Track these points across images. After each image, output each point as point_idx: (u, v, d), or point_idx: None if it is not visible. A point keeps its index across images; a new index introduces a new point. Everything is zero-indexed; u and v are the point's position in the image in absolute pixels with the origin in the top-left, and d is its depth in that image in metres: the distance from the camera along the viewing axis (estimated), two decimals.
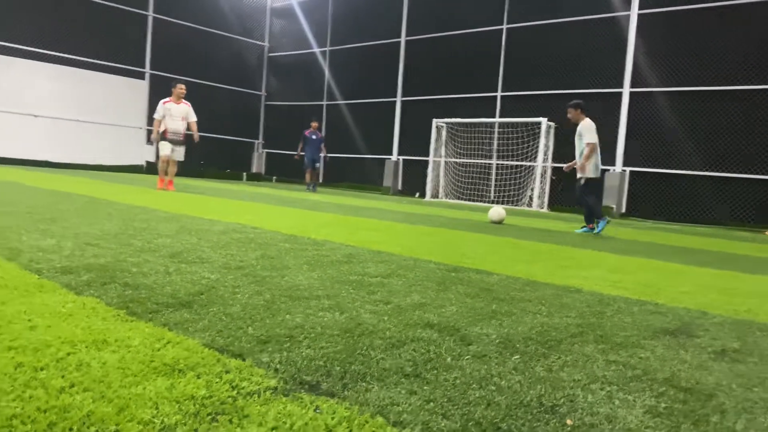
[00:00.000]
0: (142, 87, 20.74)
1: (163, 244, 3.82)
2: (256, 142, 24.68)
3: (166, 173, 11.32)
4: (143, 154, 20.78)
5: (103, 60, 19.48)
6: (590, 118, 8.13)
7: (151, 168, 20.58)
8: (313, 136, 17.43)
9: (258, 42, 24.38)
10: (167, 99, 11.47)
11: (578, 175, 8.21)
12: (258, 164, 24.59)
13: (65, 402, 1.33)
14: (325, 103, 22.19)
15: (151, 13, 20.69)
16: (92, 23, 19.11)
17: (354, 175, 21.18)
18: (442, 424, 1.38)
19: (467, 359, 1.90)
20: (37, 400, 1.32)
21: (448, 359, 1.88)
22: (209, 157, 22.49)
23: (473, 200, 16.93)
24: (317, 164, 17.64)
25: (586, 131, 8.03)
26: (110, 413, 1.29)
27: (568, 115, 8.24)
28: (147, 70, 20.81)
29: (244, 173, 23.93)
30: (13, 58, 17.64)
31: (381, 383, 1.63)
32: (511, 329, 2.31)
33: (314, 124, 17.56)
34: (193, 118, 11.63)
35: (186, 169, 21.04)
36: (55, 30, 18.26)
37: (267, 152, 24.51)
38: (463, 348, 2.01)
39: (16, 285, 2.39)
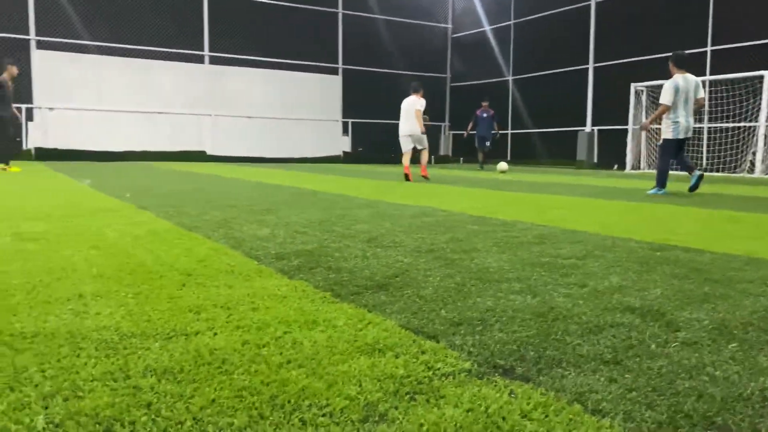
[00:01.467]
0: (336, 82, 22.13)
1: (360, 230, 4.07)
2: (443, 124, 24.98)
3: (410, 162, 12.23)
4: (341, 145, 22.21)
5: (302, 60, 21.11)
6: None
7: (348, 157, 21.96)
8: (484, 114, 17.64)
9: (441, 25, 24.57)
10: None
11: None
12: (445, 147, 24.92)
13: (284, 376, 1.49)
14: (510, 78, 21.71)
15: (340, 10, 21.90)
16: (290, 27, 20.79)
17: (544, 151, 20.48)
18: (646, 415, 1.31)
19: (675, 346, 1.76)
20: (261, 374, 1.51)
21: (653, 346, 1.76)
22: (398, 144, 23.28)
23: (678, 169, 15.39)
24: (487, 143, 17.78)
25: None
26: (321, 388, 1.43)
27: None
28: (340, 65, 22.12)
29: (432, 156, 24.40)
30: (232, 67, 19.93)
31: (578, 369, 1.58)
32: (727, 314, 2.08)
33: (485, 104, 17.86)
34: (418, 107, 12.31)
35: (378, 157, 22.06)
36: (261, 38, 20.22)
37: (453, 134, 24.70)
38: (669, 334, 1.87)
39: (241, 270, 2.73)
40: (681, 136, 7.67)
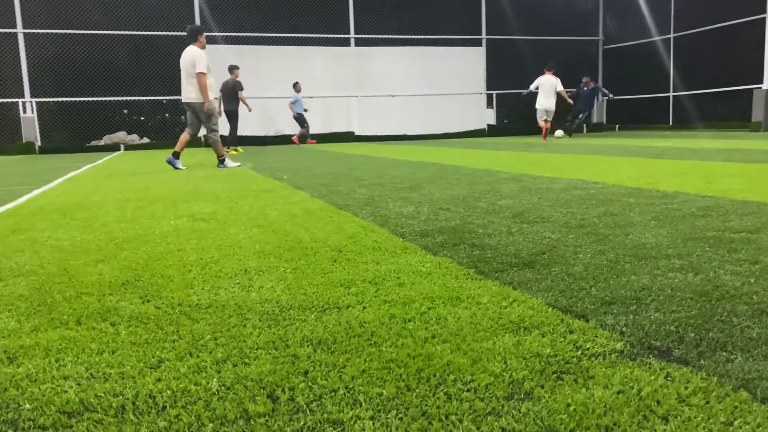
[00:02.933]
0: (479, 54, 21.74)
1: (505, 205, 4.01)
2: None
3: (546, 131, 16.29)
4: (485, 118, 21.86)
5: (445, 34, 20.98)
6: None
7: (493, 130, 21.57)
8: (585, 88, 17.92)
9: None
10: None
11: None
12: (598, 114, 23.52)
13: (429, 351, 1.54)
14: (672, 35, 19.89)
15: None
16: (432, 0, 20.71)
17: (713, 113, 18.60)
18: None
19: None
20: (407, 348, 1.56)
21: None
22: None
23: None
24: (581, 115, 17.98)
25: None
26: (465, 364, 1.45)
27: None
28: (483, 36, 21.68)
29: (584, 125, 23.16)
30: (372, 48, 20.38)
31: (746, 354, 1.45)
32: None
33: (585, 79, 18.15)
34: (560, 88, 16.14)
35: (526, 129, 21.42)
36: (403, 14, 20.39)
37: (607, 100, 23.23)
38: None
39: (387, 247, 2.82)
40: None
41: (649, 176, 5.59)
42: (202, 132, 9.75)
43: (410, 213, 3.85)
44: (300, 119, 18.19)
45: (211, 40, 18.88)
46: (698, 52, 18.95)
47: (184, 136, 9.30)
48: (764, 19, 16.63)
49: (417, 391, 1.31)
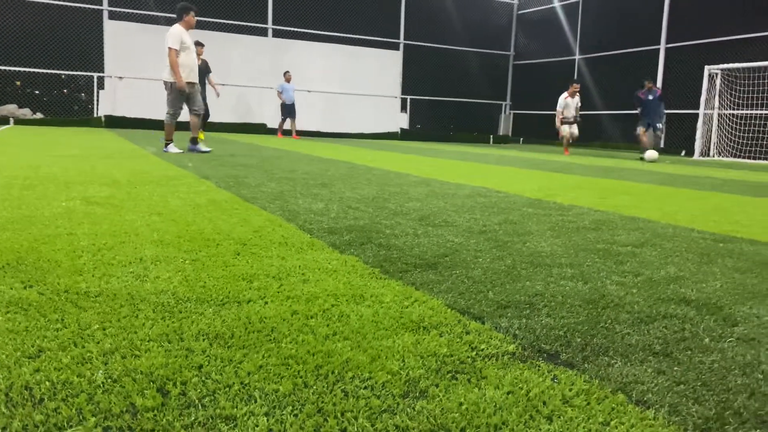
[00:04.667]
0: (396, 57, 22.00)
1: (413, 208, 4.07)
2: (504, 103, 24.54)
3: (569, 145, 15.69)
4: (398, 122, 22.15)
5: (364, 34, 21.07)
6: None
7: (405, 134, 21.88)
8: (650, 96, 14.38)
9: (508, 0, 23.98)
10: (565, 94, 15.03)
11: None
12: (505, 126, 24.50)
13: (329, 348, 1.53)
14: (577, 57, 21.05)
15: None
16: (353, 0, 20.74)
17: (607, 133, 19.84)
18: (693, 409, 1.28)
19: (730, 342, 1.70)
20: (307, 344, 1.55)
21: (706, 340, 1.71)
22: (457, 121, 23.08)
23: (754, 158, 14.64)
24: (658, 125, 14.49)
25: None
26: (364, 362, 1.46)
27: None
28: (401, 40, 21.96)
29: (491, 136, 24.04)
30: (291, 41, 20.10)
31: (625, 359, 1.55)
32: None
33: (648, 83, 14.64)
34: (579, 105, 15.44)
35: (437, 135, 21.92)
36: (324, 11, 20.28)
37: (514, 113, 24.23)
38: (725, 329, 1.81)
39: (294, 243, 2.79)
40: None
41: (549, 189, 5.88)
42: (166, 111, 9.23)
43: (320, 210, 3.83)
44: (288, 110, 17.70)
45: (115, 16, 17.94)
46: (598, 75, 20.15)
47: (193, 120, 9.09)
48: (658, 49, 17.95)
49: (314, 387, 1.30)
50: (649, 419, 1.23)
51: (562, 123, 15.15)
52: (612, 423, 1.21)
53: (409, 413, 1.21)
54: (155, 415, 1.15)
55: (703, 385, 1.40)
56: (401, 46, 22.03)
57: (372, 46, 21.46)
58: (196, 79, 9.00)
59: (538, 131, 22.72)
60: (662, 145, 17.55)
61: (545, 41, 22.69)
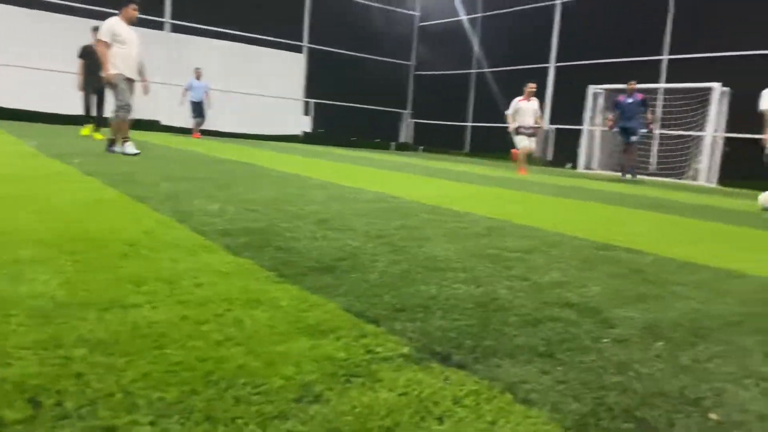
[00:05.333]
0: (300, 60, 21.84)
1: (313, 211, 4.05)
2: (405, 112, 25.02)
3: (524, 162, 12.82)
4: (301, 125, 21.99)
5: (267, 35, 20.73)
6: None
7: (307, 137, 21.72)
8: (629, 100, 13.01)
9: (409, 11, 24.51)
10: (520, 98, 12.34)
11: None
12: (406, 134, 24.98)
13: (221, 354, 1.48)
14: (474, 71, 21.87)
15: None
16: (257, 1, 20.37)
17: (502, 145, 20.74)
18: (572, 407, 1.36)
19: (606, 342, 1.82)
20: (198, 350, 1.49)
21: (586, 341, 1.82)
22: (360, 127, 23.26)
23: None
24: (633, 138, 13.16)
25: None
26: (259, 367, 1.42)
27: None
28: (305, 44, 21.84)
29: (393, 143, 24.43)
30: (190, 37, 19.40)
31: (512, 360, 1.62)
32: (658, 314, 2.17)
33: (632, 83, 13.32)
34: (539, 114, 12.70)
35: (340, 140, 21.96)
36: (226, 8, 19.75)
37: (415, 122, 24.77)
38: (603, 330, 1.94)
39: (186, 245, 2.68)
40: None
41: (445, 196, 6.05)
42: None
43: (215, 211, 3.71)
44: (194, 108, 16.73)
45: None
46: (493, 89, 21.02)
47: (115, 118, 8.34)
48: (548, 68, 19.03)
49: (203, 394, 1.26)
50: (533, 417, 1.29)
51: (518, 133, 12.37)
52: (499, 422, 1.26)
53: (301, 418, 1.20)
54: (24, 428, 1.06)
55: (582, 383, 1.49)
56: (305, 49, 21.90)
57: (275, 47, 21.15)
58: (133, 75, 8.35)
59: (438, 140, 23.33)
60: (550, 158, 18.64)
61: (445, 54, 23.39)
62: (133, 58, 8.31)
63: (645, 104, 13.18)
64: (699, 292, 2.56)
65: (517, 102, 12.18)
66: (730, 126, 13.94)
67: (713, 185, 13.91)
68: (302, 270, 2.41)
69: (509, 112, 12.29)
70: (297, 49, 21.82)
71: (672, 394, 1.47)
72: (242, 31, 20.22)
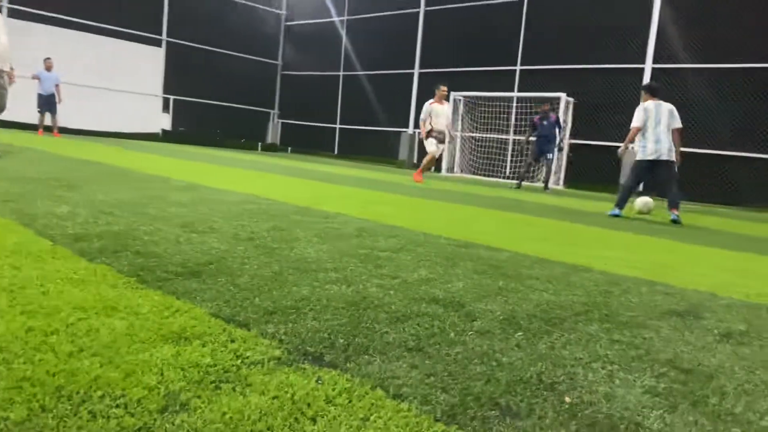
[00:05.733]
0: (158, 54, 20.73)
1: (176, 214, 3.86)
2: (272, 112, 24.65)
3: (429, 168, 12.00)
4: (160, 122, 20.86)
5: (122, 27, 19.44)
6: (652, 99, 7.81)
7: (167, 136, 20.67)
8: (545, 122, 13.50)
9: (275, 10, 24.17)
10: (432, 100, 11.48)
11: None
12: (273, 135, 24.59)
13: (74, 366, 1.37)
14: (341, 73, 22.04)
15: None
16: None
17: (370, 148, 21.11)
18: (441, 398, 1.41)
19: (470, 335, 1.91)
20: (47, 364, 1.36)
21: (452, 334, 1.90)
22: (225, 127, 22.56)
23: (489, 176, 16.84)
24: (549, 155, 13.45)
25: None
26: (117, 378, 1.33)
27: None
28: (164, 37, 20.76)
29: (260, 143, 23.96)
30: (35, 24, 17.69)
31: (383, 356, 1.65)
32: (516, 306, 2.32)
33: (546, 106, 13.65)
34: (449, 120, 11.99)
35: (203, 139, 21.14)
36: None
37: (282, 123, 24.48)
38: (467, 324, 2.03)
39: (30, 251, 2.44)
40: (648, 158, 7.72)
41: (316, 197, 6.04)
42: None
43: (64, 214, 3.41)
44: (44, 102, 14.79)
45: None
46: (361, 92, 21.36)
47: None
48: (413, 74, 19.67)
49: (54, 411, 1.15)
50: (404, 411, 1.32)
51: (429, 136, 11.50)
52: (371, 418, 1.27)
53: (167, 429, 1.13)
54: None
55: (449, 375, 1.56)
56: (164, 43, 20.82)
57: (131, 40, 19.89)
58: (5, 67, 7.32)
59: (306, 141, 23.23)
60: (415, 161, 19.25)
61: (312, 55, 23.34)
62: (3, 49, 7.41)
63: (558, 124, 13.68)
64: (551, 285, 2.77)
65: (429, 105, 11.44)
66: (573, 133, 15.25)
67: (560, 187, 15.13)
68: (165, 275, 2.28)
69: (423, 117, 11.47)
70: (156, 43, 20.68)
71: (531, 380, 1.58)
72: (94, 21, 18.79)
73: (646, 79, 14.05)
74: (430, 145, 11.43)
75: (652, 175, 7.94)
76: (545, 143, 13.41)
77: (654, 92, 7.87)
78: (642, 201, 8.17)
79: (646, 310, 2.47)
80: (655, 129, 7.62)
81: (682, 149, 7.83)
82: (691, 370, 1.77)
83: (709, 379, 1.71)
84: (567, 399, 1.47)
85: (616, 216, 7.51)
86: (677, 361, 1.83)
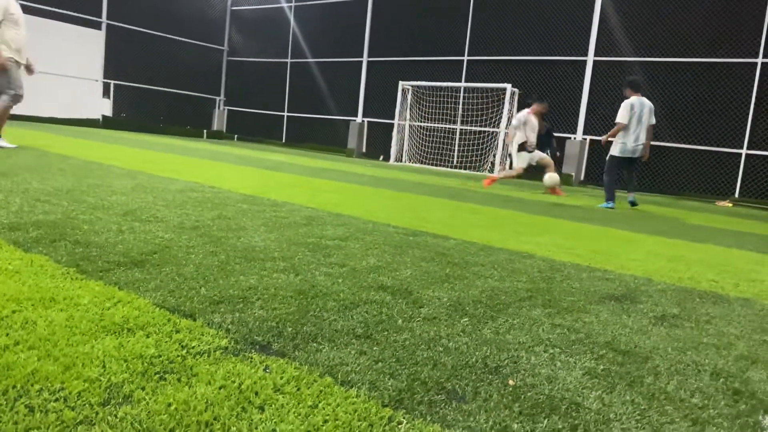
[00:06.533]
0: (98, 37, 19.95)
1: (117, 202, 3.74)
2: (218, 98, 24.13)
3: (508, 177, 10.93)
4: (100, 108, 20.12)
5: (60, 8, 18.61)
6: (633, 95, 8.07)
7: (108, 122, 19.95)
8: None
9: None
10: (528, 110, 10.17)
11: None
12: (219, 122, 24.10)
13: (8, 360, 1.32)
14: (289, 60, 21.76)
15: None
16: None
17: (318, 136, 20.97)
18: (389, 384, 1.42)
19: (418, 321, 1.94)
20: None
21: (399, 321, 1.92)
22: (169, 113, 21.97)
23: (436, 165, 17.00)
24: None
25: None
26: (56, 371, 1.29)
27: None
28: (104, 20, 19.99)
29: (205, 131, 23.44)
30: None
31: (332, 344, 1.65)
32: (462, 293, 2.36)
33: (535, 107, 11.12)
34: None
35: (146, 126, 20.53)
36: None
37: (229, 110, 24.01)
38: (414, 310, 2.06)
39: None
40: (627, 155, 8.07)
41: (263, 185, 5.96)
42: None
43: None
44: None
45: None
46: (309, 80, 21.15)
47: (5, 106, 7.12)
48: (361, 62, 19.61)
49: None
50: (353, 397, 1.33)
51: (522, 149, 10.16)
52: (320, 405, 1.28)
53: (110, 421, 1.11)
54: None
55: (397, 361, 1.58)
56: (104, 26, 20.04)
57: (69, 21, 19.06)
58: (21, 59, 7.22)
59: (253, 129, 22.87)
60: (364, 150, 19.24)
61: (259, 41, 22.93)
62: (19, 39, 7.31)
63: (550, 135, 12.07)
64: (496, 272, 2.83)
65: (527, 114, 10.12)
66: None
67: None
68: (106, 265, 2.22)
69: (515, 124, 10.16)
70: (95, 25, 19.88)
71: (477, 365, 1.61)
72: (29, 0, 17.90)
73: (589, 71, 14.47)
74: (522, 161, 10.18)
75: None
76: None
77: (637, 88, 8.21)
78: (551, 178, 8.80)
79: (587, 295, 2.56)
80: (636, 127, 8.05)
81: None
82: (628, 351, 1.85)
83: (644, 360, 1.79)
84: (511, 382, 1.51)
85: (611, 208, 7.94)
86: (615, 344, 1.91)
